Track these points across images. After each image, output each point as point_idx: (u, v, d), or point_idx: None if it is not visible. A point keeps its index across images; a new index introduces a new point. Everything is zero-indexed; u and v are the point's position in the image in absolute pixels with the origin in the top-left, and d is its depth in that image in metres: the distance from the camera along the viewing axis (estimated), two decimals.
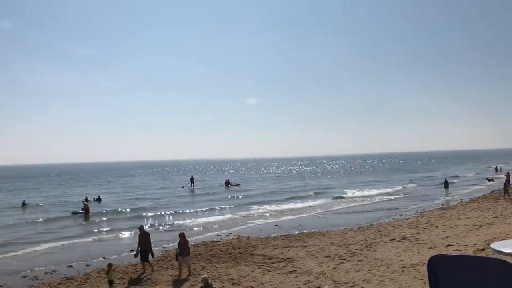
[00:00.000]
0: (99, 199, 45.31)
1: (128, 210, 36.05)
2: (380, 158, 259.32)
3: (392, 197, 41.33)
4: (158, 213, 34.15)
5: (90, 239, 23.92)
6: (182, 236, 15.15)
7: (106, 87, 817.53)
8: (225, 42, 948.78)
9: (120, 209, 36.42)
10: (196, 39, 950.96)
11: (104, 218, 31.76)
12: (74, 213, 33.79)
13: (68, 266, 17.38)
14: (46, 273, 16.41)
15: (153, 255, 15.98)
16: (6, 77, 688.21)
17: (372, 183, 59.96)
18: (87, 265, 17.52)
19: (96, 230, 26.98)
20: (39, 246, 21.86)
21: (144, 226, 16.70)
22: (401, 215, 28.89)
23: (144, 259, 15.50)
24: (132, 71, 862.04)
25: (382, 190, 47.30)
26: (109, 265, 14.05)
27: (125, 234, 25.24)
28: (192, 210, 35.21)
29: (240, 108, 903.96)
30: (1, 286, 14.80)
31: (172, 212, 34.48)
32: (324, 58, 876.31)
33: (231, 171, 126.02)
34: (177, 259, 14.89)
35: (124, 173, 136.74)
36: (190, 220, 30.23)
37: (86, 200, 41.07)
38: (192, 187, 60.43)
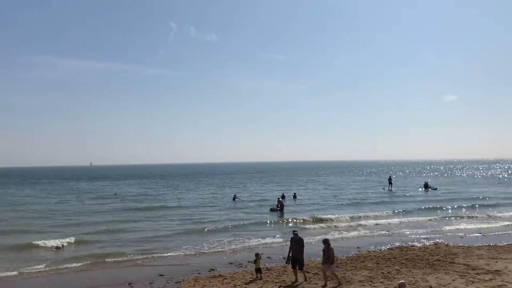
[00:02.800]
0: (294, 196, 47.63)
1: (318, 211, 36.44)
2: None
3: None
4: (351, 214, 34.02)
5: (281, 236, 24.56)
6: (326, 242, 14.36)
7: (300, 90, 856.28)
8: (418, 37, 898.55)
9: (311, 209, 37.41)
10: (387, 37, 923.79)
11: (297, 216, 32.52)
12: (272, 209, 36.08)
13: (267, 257, 18.76)
14: (248, 261, 17.96)
15: (302, 265, 14.99)
16: (214, 83, 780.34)
17: None
18: (284, 258, 18.63)
19: (286, 228, 27.91)
20: (242, 239, 23.87)
21: (298, 232, 15.64)
22: None
23: (295, 266, 14.89)
24: (321, 74, 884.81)
25: None
26: (257, 254, 15.87)
27: (311, 235, 25.72)
28: (388, 212, 34.38)
29: (438, 106, 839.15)
30: (213, 270, 16.95)
31: (366, 214, 34.16)
32: None
33: (431, 173, 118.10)
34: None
35: (318, 172, 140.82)
36: (385, 223, 29.60)
37: (283, 196, 43.72)
38: (390, 188, 59.32)
